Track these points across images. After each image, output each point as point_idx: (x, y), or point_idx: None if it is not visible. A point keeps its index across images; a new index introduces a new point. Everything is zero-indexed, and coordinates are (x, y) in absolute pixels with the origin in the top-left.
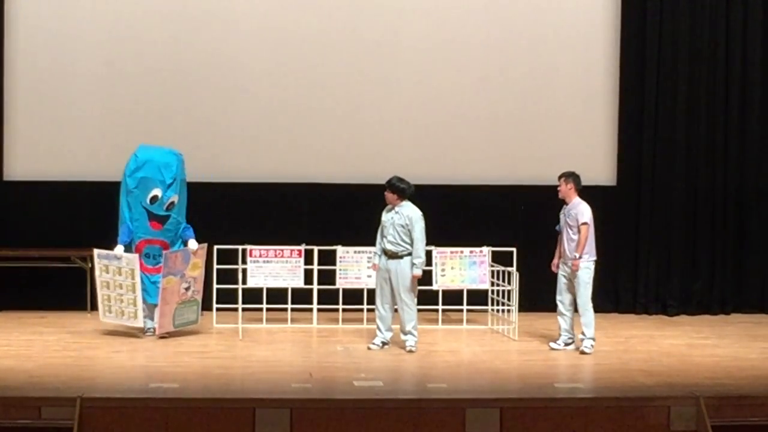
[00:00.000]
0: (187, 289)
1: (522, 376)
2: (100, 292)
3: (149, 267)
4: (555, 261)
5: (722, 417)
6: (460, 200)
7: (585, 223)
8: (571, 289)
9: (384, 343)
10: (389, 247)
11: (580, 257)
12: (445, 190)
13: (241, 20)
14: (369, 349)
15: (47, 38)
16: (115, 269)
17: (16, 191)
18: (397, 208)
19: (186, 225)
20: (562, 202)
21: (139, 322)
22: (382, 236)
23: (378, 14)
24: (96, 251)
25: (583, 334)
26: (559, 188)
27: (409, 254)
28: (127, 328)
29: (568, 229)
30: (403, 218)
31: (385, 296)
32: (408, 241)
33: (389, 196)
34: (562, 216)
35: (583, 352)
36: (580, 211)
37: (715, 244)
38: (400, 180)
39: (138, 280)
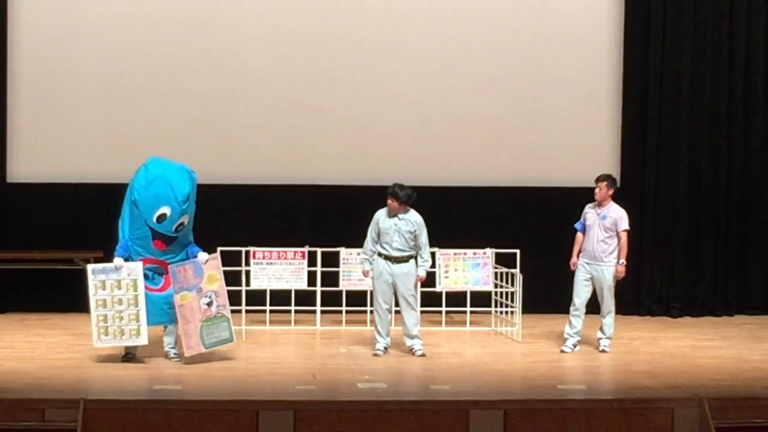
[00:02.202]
0: (209, 304)
1: (526, 377)
2: (95, 314)
3: (150, 287)
4: (574, 260)
5: (726, 419)
6: (463, 202)
7: (627, 230)
8: (589, 290)
9: (386, 348)
10: (395, 254)
11: (622, 263)
12: (449, 192)
13: (244, 22)
14: (376, 356)
15: (51, 41)
16: (113, 283)
17: (20, 193)
18: (400, 215)
19: (193, 244)
20: (565, 204)
21: (143, 340)
22: (383, 243)
23: (381, 16)
24: (90, 267)
25: (603, 332)
26: (598, 191)
27: (411, 257)
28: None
29: (602, 231)
30: (410, 224)
31: (387, 301)
32: (412, 245)
33: (394, 204)
34: (591, 216)
35: (603, 351)
36: (620, 217)
37: (718, 246)
38: (402, 187)
39: (141, 291)
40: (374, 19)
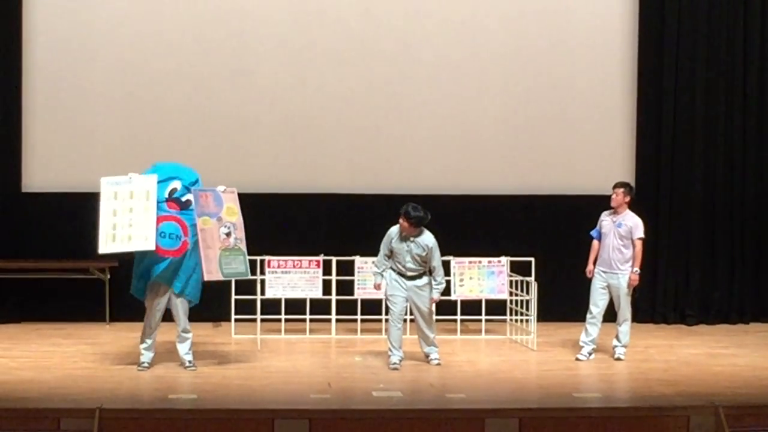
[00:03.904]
0: (228, 234)
1: (541, 386)
2: (104, 222)
3: (165, 249)
4: (590, 267)
5: (741, 426)
6: (478, 210)
7: (642, 238)
8: (606, 297)
9: (401, 360)
10: (409, 273)
11: (635, 271)
12: (464, 200)
13: (260, 34)
14: (395, 369)
15: (65, 52)
16: (126, 194)
17: (35, 203)
18: (413, 237)
19: None
20: (580, 212)
21: (151, 244)
22: (396, 261)
23: (395, 27)
24: (103, 179)
25: (618, 340)
26: (614, 197)
27: (425, 273)
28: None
29: (617, 239)
30: (421, 248)
31: (402, 313)
32: (425, 265)
33: (404, 225)
34: (607, 224)
35: (619, 359)
36: (635, 225)
37: (733, 253)
38: (415, 208)
39: (153, 201)
40: (388, 29)
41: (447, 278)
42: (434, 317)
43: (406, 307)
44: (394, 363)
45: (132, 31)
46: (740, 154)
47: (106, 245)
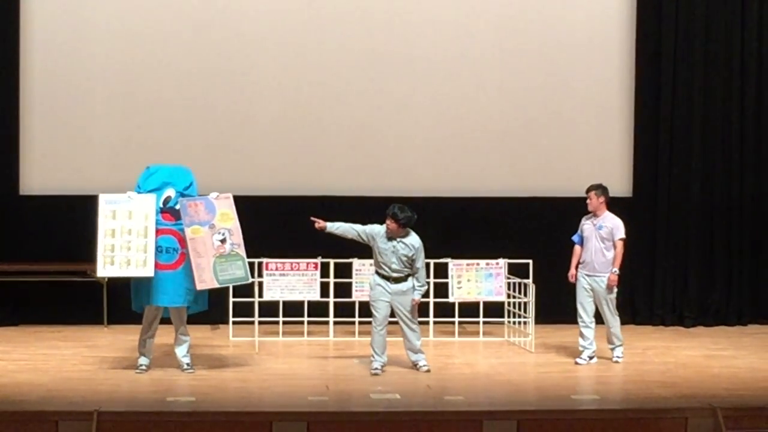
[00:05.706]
0: (222, 241)
1: (539, 388)
2: (102, 242)
3: (163, 263)
4: (572, 272)
5: (740, 428)
6: (476, 212)
7: (623, 239)
8: (593, 300)
9: (383, 366)
10: (394, 275)
11: (614, 271)
12: (461, 203)
13: (257, 36)
14: (376, 375)
15: (63, 53)
16: (125, 213)
17: (33, 205)
18: (399, 238)
19: None
20: (577, 214)
21: (149, 271)
22: (381, 263)
23: (392, 28)
24: (102, 196)
25: (611, 342)
26: (589, 201)
27: (410, 275)
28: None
29: (599, 242)
30: (408, 248)
31: (386, 319)
32: (409, 266)
33: (392, 226)
34: (588, 228)
35: (616, 361)
36: (616, 226)
37: (731, 255)
38: (402, 209)
39: (152, 223)
40: (386, 30)
41: (445, 280)
42: (418, 323)
43: (389, 313)
44: (376, 368)
45: (129, 33)
46: (738, 156)
47: (104, 268)
